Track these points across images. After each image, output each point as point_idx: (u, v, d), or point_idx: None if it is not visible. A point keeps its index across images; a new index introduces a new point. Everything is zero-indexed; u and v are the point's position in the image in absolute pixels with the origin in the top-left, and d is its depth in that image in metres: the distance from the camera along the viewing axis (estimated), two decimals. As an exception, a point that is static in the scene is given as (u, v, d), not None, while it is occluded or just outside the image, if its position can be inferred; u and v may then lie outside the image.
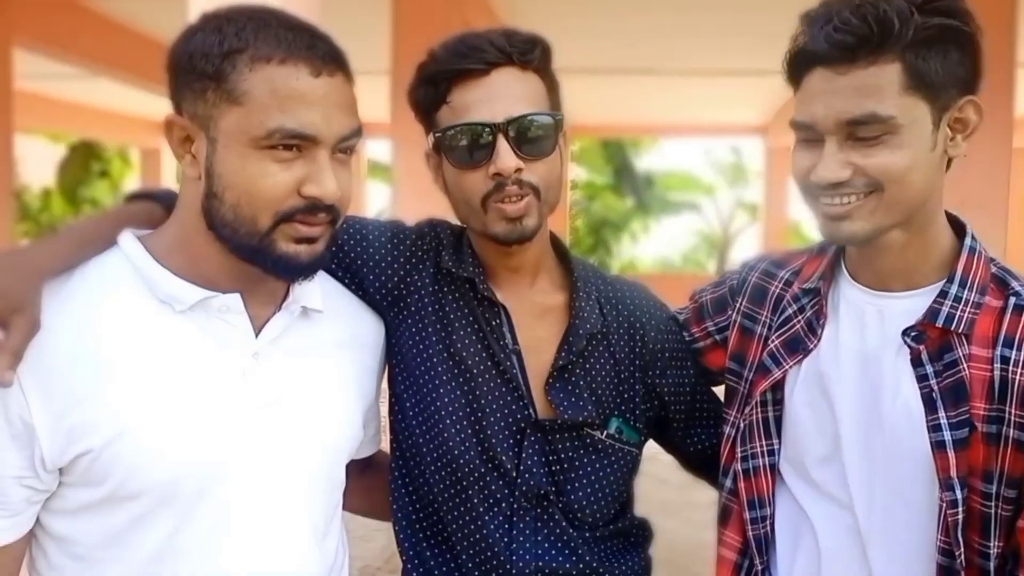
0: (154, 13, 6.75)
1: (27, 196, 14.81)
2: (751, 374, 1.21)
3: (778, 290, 1.23)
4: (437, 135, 1.15)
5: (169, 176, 14.03)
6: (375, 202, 14.21)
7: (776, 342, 1.18)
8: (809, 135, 1.04)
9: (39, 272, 0.95)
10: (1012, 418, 1.01)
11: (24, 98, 6.87)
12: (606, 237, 15.63)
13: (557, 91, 1.19)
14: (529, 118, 1.12)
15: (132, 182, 16.01)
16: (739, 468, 1.20)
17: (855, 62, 1.00)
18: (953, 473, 1.02)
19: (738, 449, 1.20)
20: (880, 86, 1.00)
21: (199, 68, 0.94)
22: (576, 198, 14.20)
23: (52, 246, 1.00)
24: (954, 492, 1.01)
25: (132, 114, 12.24)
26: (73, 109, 11.24)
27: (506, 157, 1.10)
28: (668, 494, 5.10)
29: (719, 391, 1.34)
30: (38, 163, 14.66)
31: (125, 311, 0.97)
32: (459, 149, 1.13)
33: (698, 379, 1.33)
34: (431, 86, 1.16)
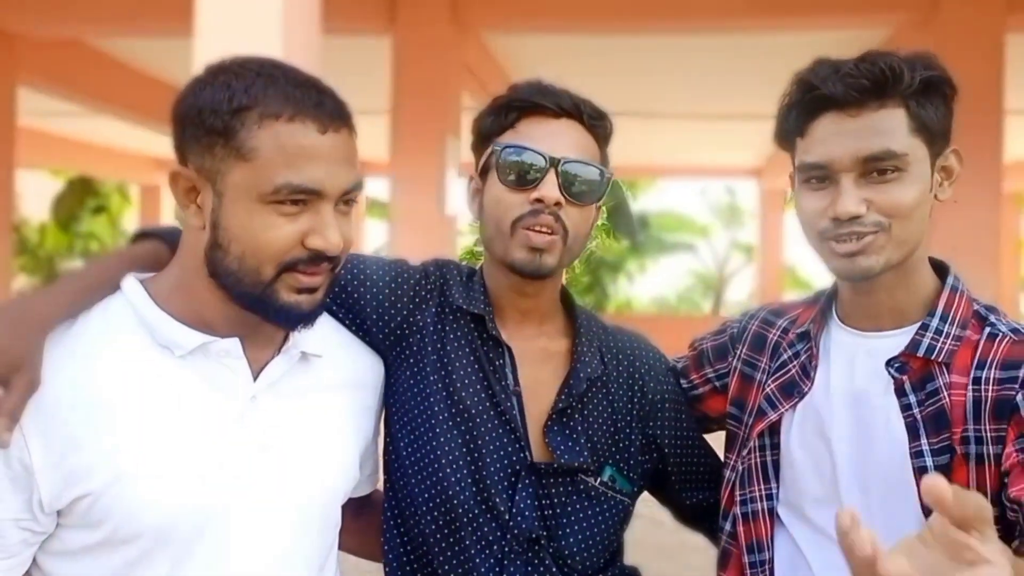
0: (156, 53, 6.86)
1: (26, 230, 14.84)
2: (750, 419, 1.24)
3: (776, 337, 1.27)
4: (495, 149, 1.20)
5: (168, 212, 14.10)
6: (372, 240, 14.27)
7: (772, 386, 1.21)
8: (821, 174, 1.10)
9: (40, 326, 0.96)
10: (987, 435, 1.05)
11: (25, 134, 6.93)
12: (602, 277, 15.68)
13: (608, 163, 1.26)
14: (582, 164, 1.19)
15: (131, 218, 16.08)
16: (738, 512, 1.22)
17: (864, 106, 1.08)
18: None
19: (737, 493, 1.22)
20: (892, 127, 1.08)
21: (208, 123, 0.95)
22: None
23: (55, 296, 1.01)
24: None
25: (132, 151, 12.33)
26: (73, 145, 11.32)
27: (551, 187, 1.16)
28: (664, 537, 5.06)
29: (714, 439, 1.36)
30: (38, 197, 14.72)
31: (125, 357, 0.99)
32: (512, 168, 1.18)
33: (697, 432, 1.35)
34: (501, 114, 1.22)
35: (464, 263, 1.33)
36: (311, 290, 0.99)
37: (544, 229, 1.16)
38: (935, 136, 1.10)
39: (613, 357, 1.28)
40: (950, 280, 1.15)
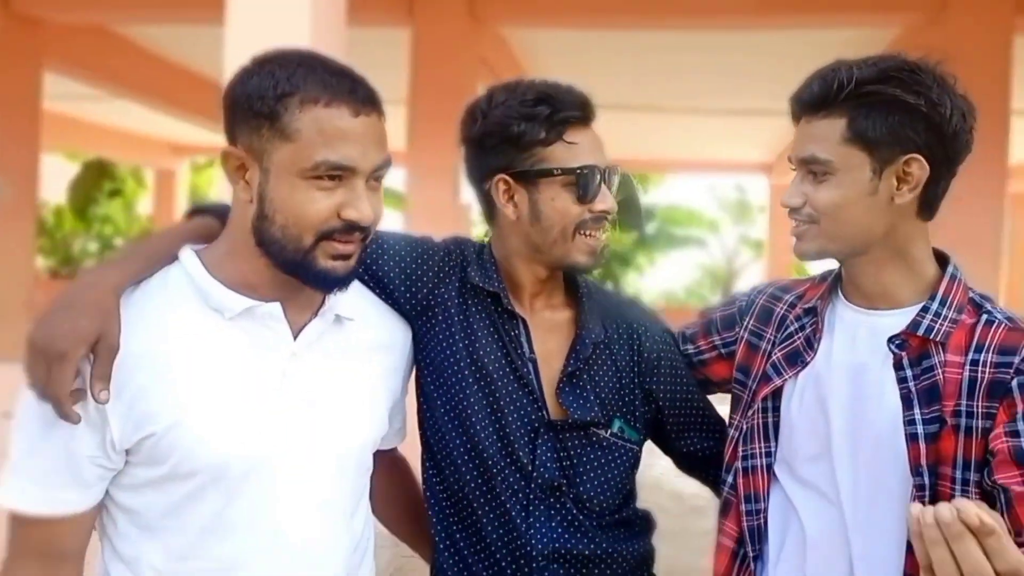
0: (179, 40, 6.99)
1: (43, 212, 15.02)
2: (754, 383, 1.36)
3: (783, 311, 1.39)
4: (563, 170, 1.30)
5: (182, 197, 14.25)
6: (389, 228, 14.40)
7: (778, 355, 1.33)
8: (793, 168, 1.26)
9: (113, 296, 1.08)
10: (978, 411, 1.16)
11: (45, 117, 7.06)
12: (612, 269, 15.79)
13: None
14: (620, 168, 1.36)
15: (145, 202, 16.24)
16: (739, 466, 1.34)
17: (816, 113, 1.22)
18: (922, 462, 1.17)
19: (739, 449, 1.35)
20: (824, 135, 1.21)
21: (255, 108, 1.07)
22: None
23: (124, 268, 1.13)
24: (922, 478, 1.16)
25: (149, 135, 12.46)
26: (90, 129, 11.43)
27: (611, 199, 1.33)
28: (667, 522, 5.17)
29: (716, 400, 1.49)
30: (53, 180, 14.89)
31: (183, 319, 1.11)
32: (585, 185, 1.30)
33: (691, 386, 1.47)
34: (547, 124, 1.30)
35: (477, 241, 1.46)
36: (345, 257, 1.11)
37: (602, 233, 1.34)
38: (878, 146, 1.18)
39: (613, 321, 1.41)
40: (950, 269, 1.26)
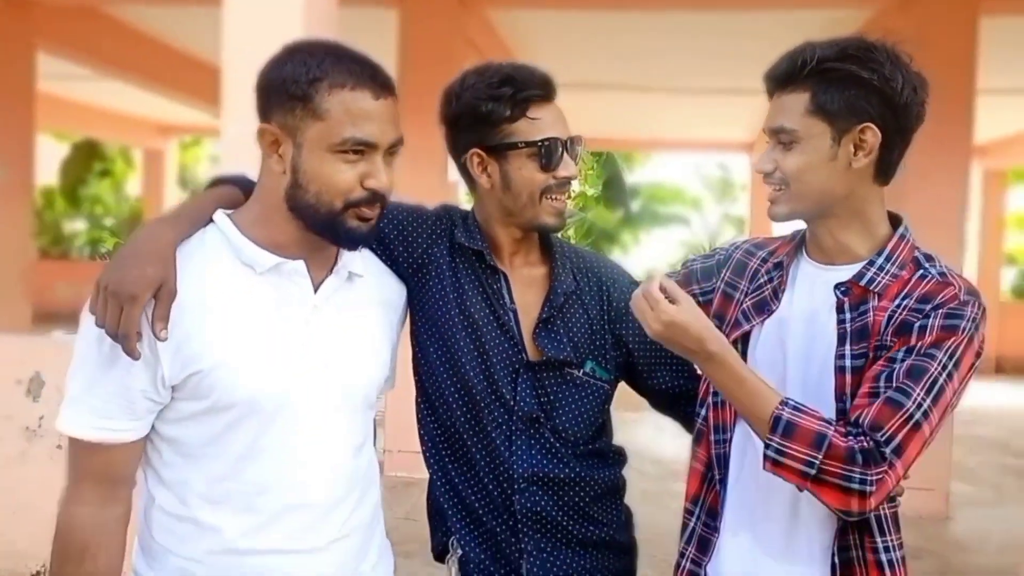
0: (170, 21, 7.06)
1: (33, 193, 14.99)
2: (727, 328, 1.52)
3: (755, 265, 1.55)
4: (527, 143, 1.48)
5: (171, 176, 14.28)
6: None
7: (748, 303, 1.51)
8: (767, 138, 1.43)
9: (172, 248, 1.24)
10: (887, 342, 1.34)
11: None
12: (598, 247, 15.99)
13: None
14: (581, 138, 1.53)
15: (134, 182, 16.25)
16: (711, 401, 1.53)
17: (783, 88, 1.39)
18: (846, 391, 1.36)
19: (711, 387, 1.52)
20: (791, 108, 1.37)
21: (290, 91, 1.24)
22: (569, 208, 14.53)
23: (177, 225, 1.29)
24: (843, 404, 1.35)
25: (138, 116, 12.46)
26: (80, 109, 11.42)
27: (572, 166, 1.51)
28: (647, 484, 5.44)
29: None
30: (43, 161, 14.86)
31: (221, 273, 1.28)
32: (546, 155, 1.48)
33: None
34: (511, 103, 1.48)
35: (463, 208, 1.65)
36: (368, 219, 1.29)
37: (565, 196, 1.51)
38: (837, 117, 1.34)
39: (583, 274, 1.60)
40: (900, 229, 1.42)
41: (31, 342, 3.93)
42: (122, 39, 7.32)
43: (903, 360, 1.30)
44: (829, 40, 1.37)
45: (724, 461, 1.50)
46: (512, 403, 1.52)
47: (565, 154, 1.50)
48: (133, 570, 1.35)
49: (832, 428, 1.27)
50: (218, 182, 1.45)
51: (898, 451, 1.25)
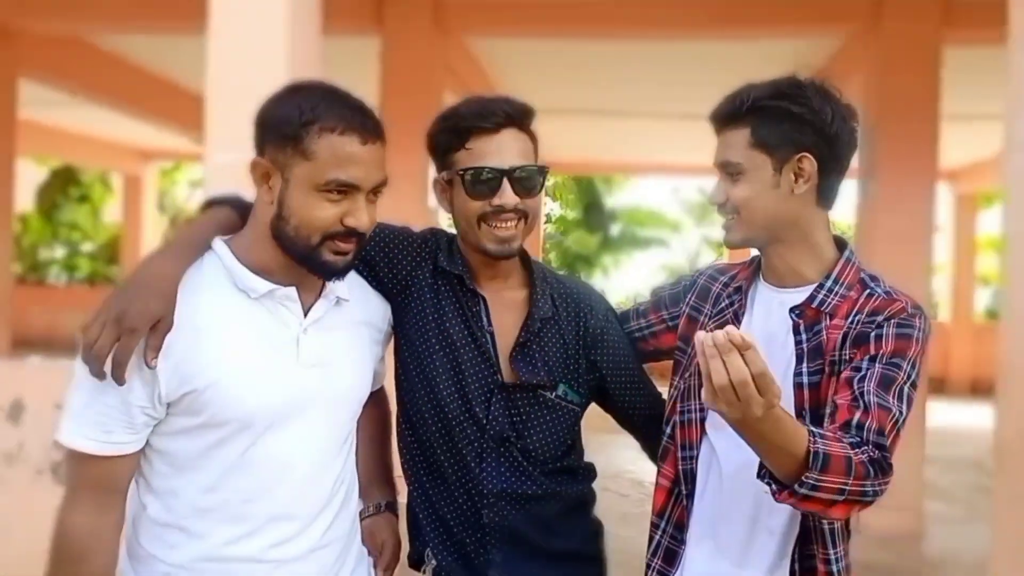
0: (152, 49, 7.11)
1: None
2: (692, 350, 1.58)
3: (718, 289, 1.64)
4: (459, 172, 1.53)
5: (150, 202, 14.25)
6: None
7: (711, 326, 1.58)
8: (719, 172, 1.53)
9: (176, 284, 1.31)
10: (845, 357, 1.42)
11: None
12: (577, 270, 16.06)
13: (538, 145, 1.62)
14: (527, 168, 1.54)
15: (113, 208, 16.18)
16: (677, 420, 1.59)
17: (727, 126, 1.50)
18: (804, 406, 1.43)
19: (678, 405, 1.60)
20: (734, 143, 1.48)
21: (283, 130, 1.31)
22: (549, 232, 14.62)
23: (183, 257, 1.35)
24: (803, 418, 1.42)
25: (117, 141, 12.47)
26: (59, 134, 11.41)
27: (508, 195, 1.52)
28: (627, 507, 5.48)
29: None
30: (21, 186, 14.77)
31: (217, 297, 1.35)
32: (474, 183, 1.52)
33: (629, 358, 1.72)
34: (453, 134, 1.55)
35: (449, 231, 1.71)
36: (344, 253, 1.36)
37: (507, 225, 1.53)
38: (775, 148, 1.45)
39: (562, 300, 1.66)
40: (846, 253, 1.52)
41: (10, 367, 3.93)
42: (104, 67, 7.36)
43: (869, 368, 1.38)
44: (765, 81, 1.48)
45: (691, 476, 1.56)
46: (485, 422, 1.57)
47: (504, 183, 1.51)
48: (119, 575, 1.39)
49: (848, 447, 1.27)
50: (212, 203, 1.51)
51: (891, 457, 1.32)
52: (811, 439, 1.24)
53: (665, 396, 1.69)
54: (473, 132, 1.53)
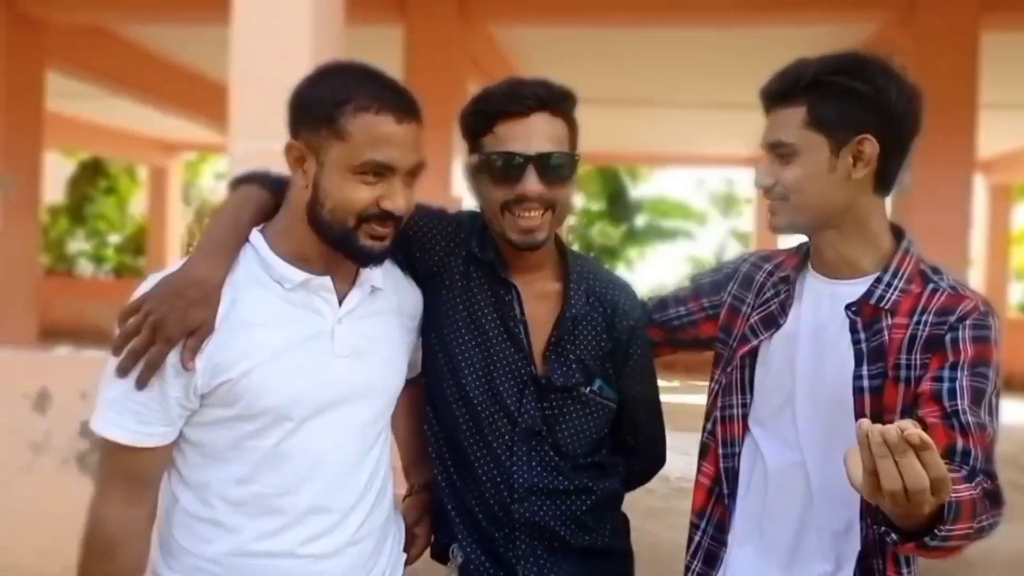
0: (177, 40, 7.13)
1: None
2: (734, 342, 1.53)
3: (762, 278, 1.54)
4: (482, 156, 1.48)
5: (175, 194, 14.36)
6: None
7: (756, 318, 1.51)
8: (766, 152, 1.42)
9: (219, 290, 1.29)
10: (916, 362, 1.33)
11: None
12: (603, 262, 15.93)
13: (577, 132, 1.54)
14: (555, 154, 1.46)
15: (139, 200, 16.32)
16: (718, 415, 1.53)
17: (780, 103, 1.39)
18: (866, 411, 1.34)
19: (719, 400, 1.53)
20: (788, 122, 1.37)
21: (316, 112, 1.28)
22: (572, 223, 14.56)
23: (225, 259, 1.32)
24: None
25: (143, 134, 12.56)
26: (86, 127, 11.52)
27: (532, 182, 1.44)
28: (653, 502, 5.42)
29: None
30: (50, 178, 14.94)
31: (253, 288, 1.32)
32: (497, 169, 1.45)
33: (650, 372, 1.65)
34: (481, 117, 1.49)
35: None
36: (381, 238, 1.32)
37: (531, 214, 1.45)
38: (834, 129, 1.34)
39: (597, 297, 1.59)
40: (904, 243, 1.41)
41: (38, 357, 3.95)
42: (130, 58, 7.41)
43: (953, 379, 1.28)
44: (822, 56, 1.37)
45: (733, 475, 1.50)
46: (516, 416, 1.53)
47: (529, 169, 1.44)
48: (151, 568, 1.38)
49: (969, 485, 1.17)
50: (242, 180, 1.47)
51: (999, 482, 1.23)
52: None
53: (704, 390, 1.62)
54: (502, 115, 1.47)
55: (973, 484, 1.18)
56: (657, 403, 1.69)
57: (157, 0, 5.81)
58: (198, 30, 6.32)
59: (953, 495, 1.07)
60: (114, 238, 16.91)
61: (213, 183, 17.65)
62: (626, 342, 1.59)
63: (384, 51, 5.72)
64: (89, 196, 15.93)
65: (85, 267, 16.71)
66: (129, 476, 1.30)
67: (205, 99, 7.97)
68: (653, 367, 1.67)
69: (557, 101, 1.48)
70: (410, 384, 1.56)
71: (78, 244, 16.51)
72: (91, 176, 15.88)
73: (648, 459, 1.71)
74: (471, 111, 1.51)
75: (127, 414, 1.27)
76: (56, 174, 15.09)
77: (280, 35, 2.74)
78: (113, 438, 1.28)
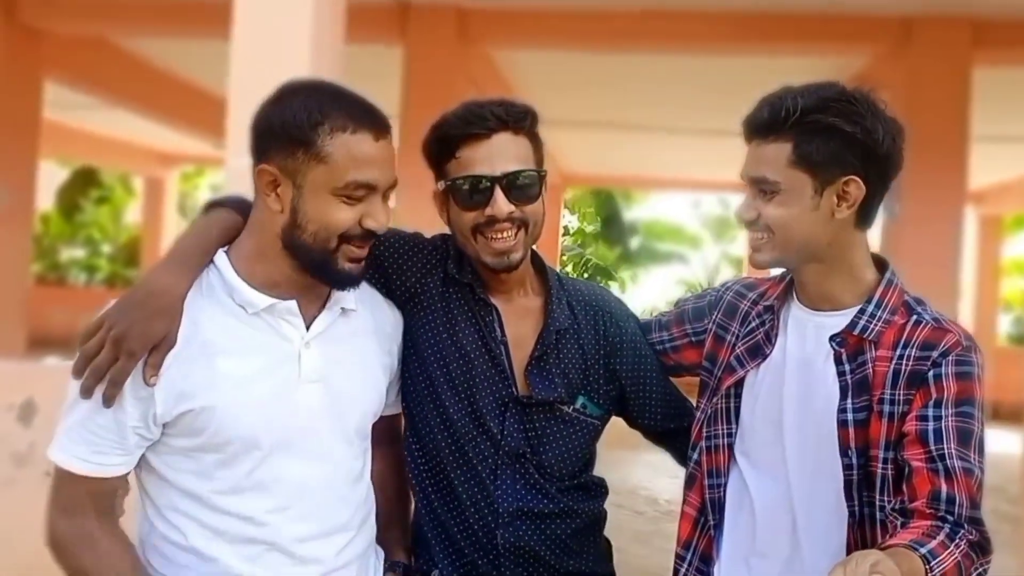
0: (176, 53, 7.15)
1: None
2: (720, 372, 1.52)
3: (746, 307, 1.54)
4: (448, 183, 1.48)
5: (171, 205, 14.34)
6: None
7: (741, 348, 1.50)
8: (746, 185, 1.41)
9: (181, 302, 1.27)
10: (899, 398, 1.33)
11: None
12: (597, 283, 15.93)
13: (541, 148, 1.53)
14: (521, 173, 1.45)
15: (133, 210, 16.30)
16: (704, 445, 1.52)
17: (764, 137, 1.36)
18: (851, 444, 1.34)
19: (704, 430, 1.52)
20: (772, 158, 1.35)
21: (291, 134, 1.24)
22: (567, 244, 14.59)
23: (187, 273, 1.30)
24: (849, 459, 1.34)
25: (139, 144, 12.54)
26: (82, 137, 11.50)
27: (501, 203, 1.43)
28: (642, 525, 5.40)
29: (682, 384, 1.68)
30: (42, 186, 14.89)
31: (216, 313, 1.30)
32: (464, 193, 1.45)
33: (652, 368, 1.65)
34: (443, 143, 1.48)
35: None
36: (359, 260, 1.31)
37: (504, 235, 1.46)
38: (820, 168, 1.32)
39: (582, 308, 1.59)
40: (887, 275, 1.41)
41: (24, 368, 3.93)
42: (129, 70, 7.41)
43: (938, 418, 1.28)
44: (807, 88, 1.35)
45: (719, 505, 1.49)
46: (499, 437, 1.52)
47: (496, 191, 1.43)
48: None
49: (951, 544, 1.18)
50: (214, 205, 1.45)
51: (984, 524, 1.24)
52: (927, 567, 1.14)
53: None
54: (463, 139, 1.45)
55: (956, 542, 1.17)
56: (668, 382, 1.67)
57: (157, 13, 5.82)
58: (197, 43, 6.35)
59: (936, 565, 1.10)
60: (108, 248, 16.88)
61: (210, 195, 17.60)
62: (620, 340, 1.59)
63: (384, 71, 5.77)
64: (79, 205, 15.89)
65: (78, 276, 16.65)
66: (81, 500, 1.28)
67: (203, 112, 7.97)
68: (650, 353, 1.65)
69: (518, 119, 1.47)
70: (385, 439, 1.52)
71: (70, 252, 16.46)
72: (83, 185, 15.84)
73: (684, 433, 1.63)
74: (432, 138, 1.50)
75: (82, 443, 1.25)
76: (47, 182, 15.09)
77: (280, 53, 2.74)
78: (65, 467, 1.26)
